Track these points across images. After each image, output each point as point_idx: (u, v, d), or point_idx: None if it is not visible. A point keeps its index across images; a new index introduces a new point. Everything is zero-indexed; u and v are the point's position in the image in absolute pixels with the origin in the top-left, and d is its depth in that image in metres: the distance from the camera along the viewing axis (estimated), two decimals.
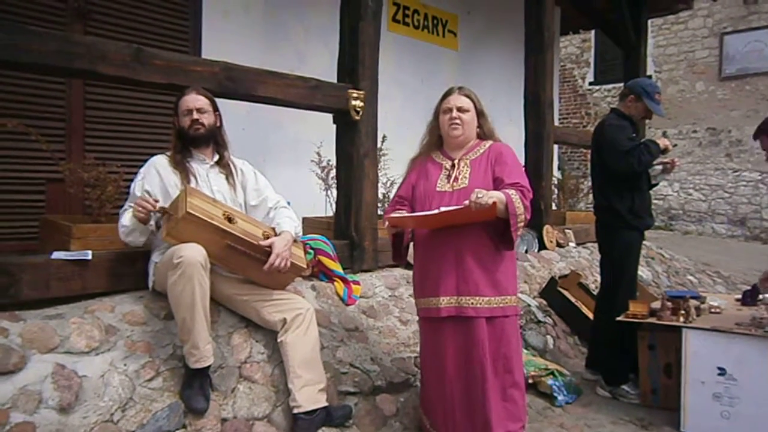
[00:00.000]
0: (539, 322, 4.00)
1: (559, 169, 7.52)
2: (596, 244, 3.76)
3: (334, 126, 3.66)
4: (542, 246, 5.05)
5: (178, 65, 2.85)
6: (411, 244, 2.73)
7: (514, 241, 2.43)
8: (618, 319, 3.32)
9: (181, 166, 2.60)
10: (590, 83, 12.54)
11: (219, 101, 2.79)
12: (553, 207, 5.84)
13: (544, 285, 4.42)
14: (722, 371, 2.92)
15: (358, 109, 3.51)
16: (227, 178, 2.69)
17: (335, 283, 3.33)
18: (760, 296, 3.51)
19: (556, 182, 6.18)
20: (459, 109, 2.58)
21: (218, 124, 2.72)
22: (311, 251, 3.24)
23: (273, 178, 2.97)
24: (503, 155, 2.57)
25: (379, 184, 3.92)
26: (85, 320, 2.36)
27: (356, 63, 3.56)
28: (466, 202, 2.28)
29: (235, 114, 3.44)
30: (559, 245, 5.28)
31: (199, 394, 2.30)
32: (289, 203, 2.83)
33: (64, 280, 2.51)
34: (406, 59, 5.86)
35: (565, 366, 3.68)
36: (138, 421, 2.16)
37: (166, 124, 3.38)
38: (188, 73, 2.86)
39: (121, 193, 2.88)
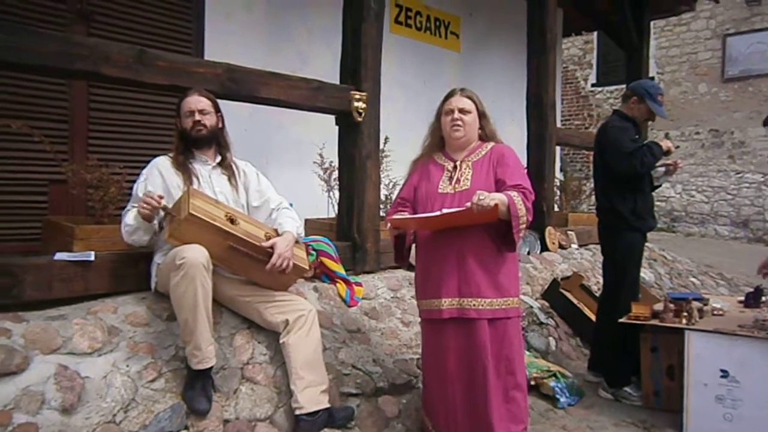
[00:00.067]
0: (541, 323, 4.00)
1: (561, 170, 7.53)
2: (598, 246, 3.76)
3: (337, 127, 3.67)
4: (544, 247, 5.05)
5: (181, 67, 2.85)
6: (413, 245, 2.73)
7: (516, 242, 2.43)
8: (620, 320, 3.32)
9: (183, 167, 2.60)
10: (593, 85, 12.54)
11: (221, 102, 2.80)
12: (556, 208, 5.84)
13: (546, 287, 4.42)
14: (725, 373, 2.91)
15: (361, 111, 3.51)
16: (229, 180, 2.70)
17: (337, 284, 3.33)
18: (763, 298, 3.51)
19: (558, 184, 6.18)
20: (461, 111, 2.58)
21: (220, 126, 2.73)
22: (313, 252, 3.25)
23: (275, 179, 2.97)
24: (505, 157, 2.57)
25: (382, 186, 3.92)
26: (87, 321, 2.36)
27: (359, 64, 3.57)
28: (468, 203, 2.28)
29: (237, 115, 3.44)
30: (561, 247, 5.27)
31: (201, 395, 2.30)
32: (291, 205, 2.83)
33: (66, 281, 2.51)
34: (409, 61, 5.86)
35: (567, 368, 3.67)
36: (140, 422, 2.17)
37: (169, 126, 3.39)
38: (191, 74, 2.87)
39: (123, 195, 2.88)
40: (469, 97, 2.62)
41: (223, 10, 4.42)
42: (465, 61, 6.56)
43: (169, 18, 4.17)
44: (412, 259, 2.75)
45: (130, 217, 2.46)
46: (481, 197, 2.26)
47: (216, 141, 2.71)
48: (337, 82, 3.62)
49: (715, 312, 3.37)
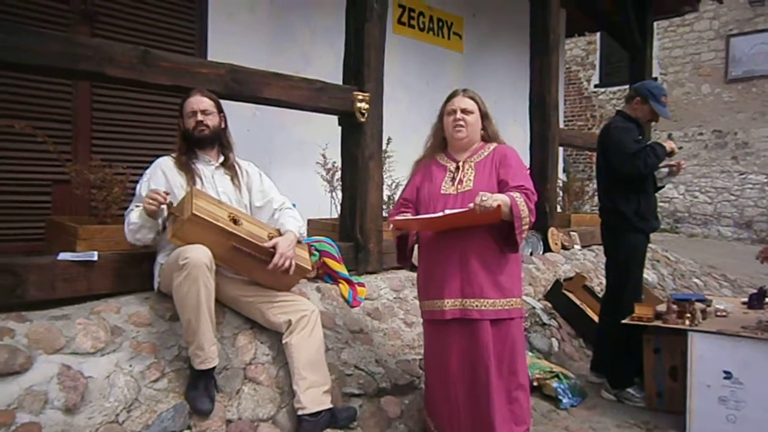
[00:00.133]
0: (544, 324, 3.99)
1: (564, 171, 7.52)
2: (601, 247, 3.75)
3: (340, 128, 3.67)
4: (547, 248, 5.04)
5: (185, 67, 2.86)
6: (416, 246, 2.73)
7: (518, 243, 2.42)
8: (623, 322, 3.31)
9: (186, 167, 2.60)
10: (595, 85, 12.51)
11: (224, 103, 2.80)
12: (558, 209, 5.83)
13: (549, 287, 4.41)
14: (728, 375, 2.90)
15: (364, 111, 3.51)
16: (232, 180, 2.70)
17: (340, 284, 3.33)
18: (767, 299, 3.51)
19: (561, 184, 6.17)
20: (463, 111, 2.58)
21: (223, 126, 2.73)
22: (316, 253, 3.25)
23: (278, 179, 2.97)
24: (508, 158, 2.57)
25: (384, 186, 3.92)
26: (90, 321, 2.37)
27: (362, 65, 3.57)
28: (471, 204, 2.28)
29: (240, 116, 3.45)
30: (564, 248, 5.27)
31: (204, 395, 2.31)
32: (294, 205, 2.84)
33: (70, 281, 2.52)
34: (412, 61, 5.86)
35: (569, 369, 3.67)
36: (143, 422, 2.17)
37: (172, 126, 3.39)
38: (194, 75, 2.87)
39: (127, 195, 2.89)
40: (472, 98, 2.62)
41: (226, 11, 4.43)
42: (468, 61, 6.55)
43: (172, 18, 4.18)
44: (415, 260, 2.75)
45: (134, 215, 2.46)
46: (483, 198, 2.26)
47: (219, 141, 2.72)
48: (340, 83, 3.62)
49: (719, 313, 3.36)
